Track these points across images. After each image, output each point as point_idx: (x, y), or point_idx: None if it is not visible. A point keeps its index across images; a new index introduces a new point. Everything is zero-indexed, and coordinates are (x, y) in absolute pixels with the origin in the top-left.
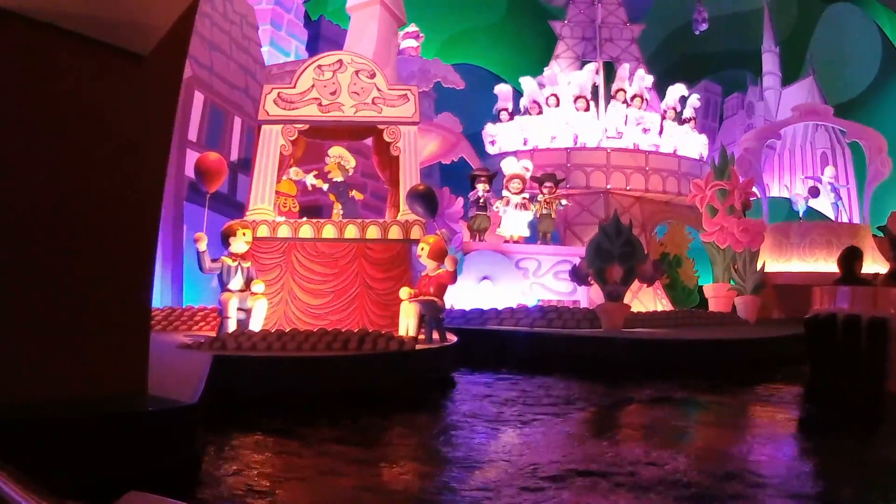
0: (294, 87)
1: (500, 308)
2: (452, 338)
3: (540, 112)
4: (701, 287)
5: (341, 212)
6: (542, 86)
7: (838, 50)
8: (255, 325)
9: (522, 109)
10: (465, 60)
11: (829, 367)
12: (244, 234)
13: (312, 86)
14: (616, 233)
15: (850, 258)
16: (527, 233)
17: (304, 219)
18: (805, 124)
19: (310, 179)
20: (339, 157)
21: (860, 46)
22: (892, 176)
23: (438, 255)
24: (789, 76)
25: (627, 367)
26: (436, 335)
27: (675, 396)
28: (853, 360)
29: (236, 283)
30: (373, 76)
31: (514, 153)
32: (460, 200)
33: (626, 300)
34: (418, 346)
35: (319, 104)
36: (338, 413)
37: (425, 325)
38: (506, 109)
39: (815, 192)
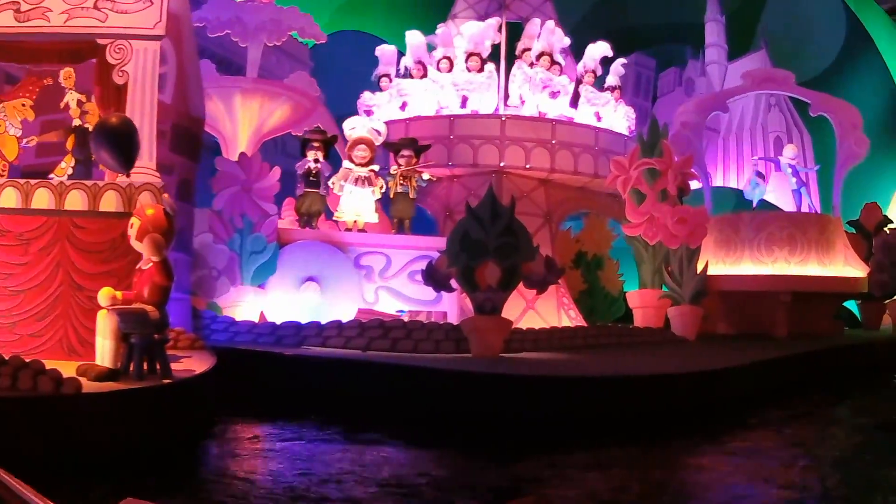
0: None
1: (323, 322)
2: (198, 367)
3: (425, 75)
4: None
5: (70, 170)
6: (434, 49)
7: (795, 24)
8: None
9: (404, 70)
10: (361, 28)
11: None
12: None
13: None
14: (491, 217)
15: None
16: (375, 218)
17: None
18: (756, 104)
19: (72, 98)
20: None
21: (821, 20)
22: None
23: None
24: (737, 51)
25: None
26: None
27: None
28: None
29: None
30: None
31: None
32: (276, 171)
33: (514, 311)
34: (108, 387)
35: (17, 11)
36: None
37: (135, 349)
38: (387, 75)
39: (760, 178)
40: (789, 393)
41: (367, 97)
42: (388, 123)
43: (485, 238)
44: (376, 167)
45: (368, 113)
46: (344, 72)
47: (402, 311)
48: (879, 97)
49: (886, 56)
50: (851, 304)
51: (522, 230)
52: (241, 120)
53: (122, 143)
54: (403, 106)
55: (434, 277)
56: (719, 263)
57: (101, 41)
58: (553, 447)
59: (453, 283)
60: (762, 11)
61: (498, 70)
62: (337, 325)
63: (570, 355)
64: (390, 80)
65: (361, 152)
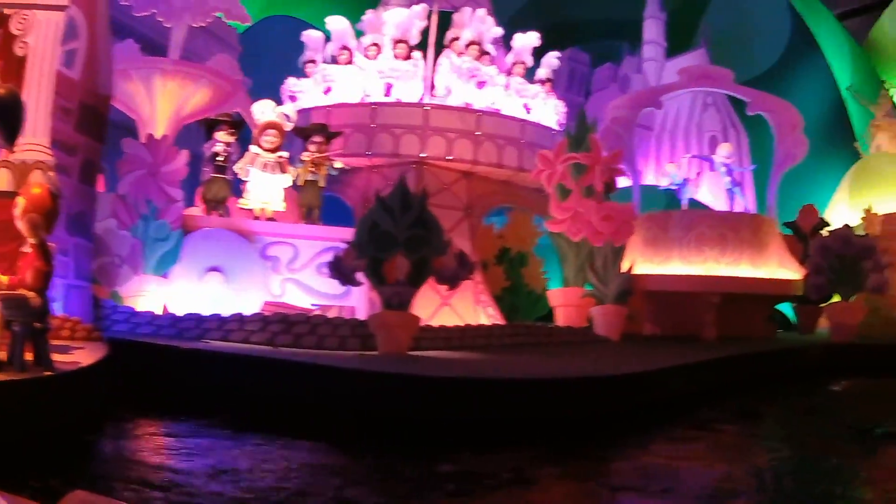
0: None
1: (224, 315)
2: (86, 360)
3: (350, 60)
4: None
5: None
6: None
7: (739, 23)
8: None
9: (329, 58)
10: (296, 14)
11: None
12: None
13: None
14: (402, 208)
15: None
16: (283, 206)
17: None
18: (692, 103)
19: None
20: None
21: (765, 20)
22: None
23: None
24: (676, 49)
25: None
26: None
27: None
28: None
29: None
30: None
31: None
32: (183, 155)
33: (428, 308)
34: None
35: None
36: None
37: (17, 337)
38: (313, 61)
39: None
40: (713, 398)
41: (291, 83)
42: (309, 110)
43: (394, 229)
44: (285, 154)
45: (293, 99)
46: (277, 58)
47: (316, 306)
48: (822, 99)
49: (831, 58)
50: (786, 307)
51: (434, 222)
52: (160, 102)
53: (4, 115)
54: (327, 91)
55: (340, 270)
56: (647, 262)
57: (6, 11)
58: (457, 449)
59: (361, 276)
60: (705, 10)
61: (426, 59)
62: (238, 319)
63: (483, 355)
64: (316, 66)
65: (270, 137)
